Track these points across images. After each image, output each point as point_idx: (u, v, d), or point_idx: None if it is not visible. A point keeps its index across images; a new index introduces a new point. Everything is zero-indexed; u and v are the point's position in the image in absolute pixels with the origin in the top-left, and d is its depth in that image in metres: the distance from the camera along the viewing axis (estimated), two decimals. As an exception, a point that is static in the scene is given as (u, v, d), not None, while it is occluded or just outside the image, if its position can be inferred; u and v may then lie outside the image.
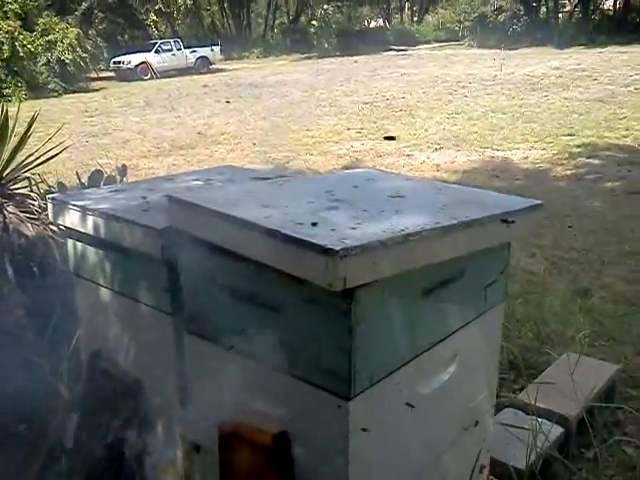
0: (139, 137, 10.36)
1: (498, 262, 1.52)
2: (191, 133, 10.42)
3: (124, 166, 4.58)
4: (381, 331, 1.18)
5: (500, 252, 1.52)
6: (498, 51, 18.08)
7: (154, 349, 1.58)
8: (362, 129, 9.81)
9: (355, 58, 23.52)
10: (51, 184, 3.74)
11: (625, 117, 9.19)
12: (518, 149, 7.72)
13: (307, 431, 1.22)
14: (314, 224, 1.18)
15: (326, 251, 1.05)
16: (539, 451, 1.87)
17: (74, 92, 19.15)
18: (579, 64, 15.81)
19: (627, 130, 8.31)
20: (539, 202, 1.50)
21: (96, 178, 3.56)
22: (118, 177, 3.52)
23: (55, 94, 18.88)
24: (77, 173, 4.47)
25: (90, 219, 1.62)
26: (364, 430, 1.19)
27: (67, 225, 1.72)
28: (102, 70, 24.41)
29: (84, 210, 1.63)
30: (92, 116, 13.34)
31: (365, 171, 1.94)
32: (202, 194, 1.58)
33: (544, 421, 2.01)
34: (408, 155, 7.81)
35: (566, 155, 7.23)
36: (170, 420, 1.59)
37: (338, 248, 1.04)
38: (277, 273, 1.16)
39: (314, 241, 1.08)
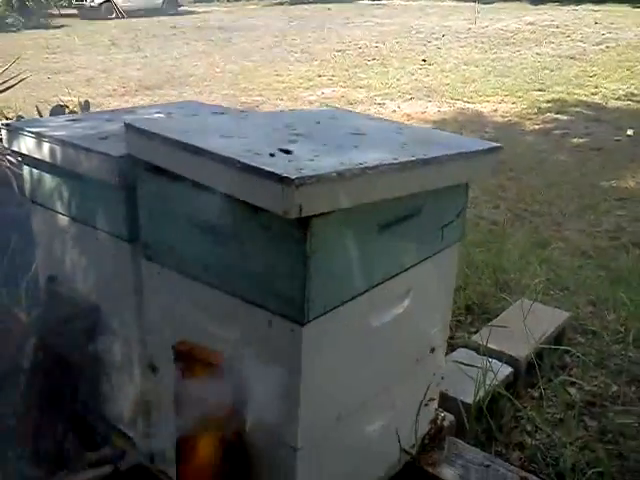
0: (104, 76, 10.06)
1: (455, 203, 1.55)
2: (158, 74, 10.15)
3: (87, 102, 4.45)
4: (336, 261, 1.20)
5: (458, 194, 1.54)
6: (473, 4, 17.86)
7: (111, 274, 1.59)
8: (333, 76, 9.69)
9: (329, 6, 22.96)
10: (10, 118, 3.63)
11: (595, 75, 9.24)
12: (489, 102, 7.73)
13: (262, 354, 1.25)
14: (272, 155, 1.18)
15: (282, 179, 1.05)
16: (487, 388, 1.94)
17: (35, 28, 18.35)
18: (553, 20, 15.73)
19: (596, 88, 8.36)
20: (498, 145, 1.52)
21: (58, 113, 3.46)
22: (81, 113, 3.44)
23: (14, 29, 18.06)
24: (37, 107, 4.34)
25: (46, 146, 1.59)
26: (316, 355, 1.22)
27: (22, 152, 1.68)
28: (64, 7, 23.35)
29: (39, 137, 1.59)
30: (54, 53, 12.86)
31: (328, 109, 1.93)
32: (161, 123, 1.56)
33: (495, 361, 2.08)
34: (379, 104, 7.76)
35: (535, 110, 7.27)
36: (127, 343, 1.61)
37: (294, 177, 1.05)
38: (234, 201, 1.16)
39: (271, 169, 1.08)
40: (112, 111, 2.14)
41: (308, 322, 1.16)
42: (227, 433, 1.28)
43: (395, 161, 1.25)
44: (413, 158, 1.30)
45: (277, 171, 1.07)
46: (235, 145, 1.26)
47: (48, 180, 1.69)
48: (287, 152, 1.22)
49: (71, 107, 4.69)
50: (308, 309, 1.15)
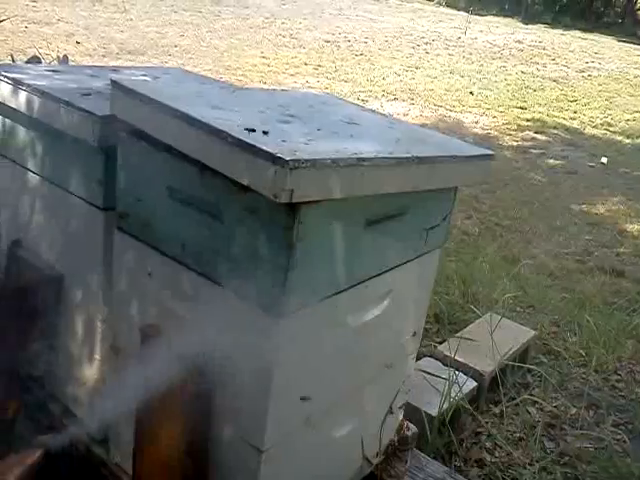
0: (85, 33, 9.75)
1: (443, 207, 1.51)
2: (142, 39, 9.89)
3: (65, 57, 4.29)
4: (320, 254, 1.14)
5: (446, 197, 1.50)
6: (465, 14, 17.95)
7: (81, 244, 1.49)
8: (320, 66, 9.60)
9: (324, -7, 22.80)
10: (-17, 63, 3.45)
11: (575, 100, 9.38)
12: (470, 113, 7.77)
13: (233, 345, 1.18)
14: (265, 132, 1.12)
15: (276, 160, 0.99)
16: (452, 401, 1.92)
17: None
18: (540, 42, 15.92)
19: (575, 113, 8.49)
20: (491, 152, 1.49)
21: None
22: (58, 66, 3.29)
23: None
24: (12, 56, 4.17)
25: (23, 95, 1.48)
26: (292, 352, 1.16)
27: (-5, 98, 1.58)
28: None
29: (16, 84, 1.49)
30: (35, 1, 12.40)
31: (321, 94, 1.87)
32: (149, 86, 1.47)
33: (460, 374, 2.06)
34: (363, 100, 7.72)
35: (515, 127, 7.34)
36: (91, 319, 1.52)
37: (289, 158, 0.98)
38: (221, 178, 1.09)
39: (265, 148, 1.01)
40: (96, 67, 2.03)
41: (286, 315, 1.10)
42: (190, 428, 1.21)
43: (391, 155, 1.21)
44: (409, 155, 1.25)
45: (271, 150, 1.01)
46: (227, 117, 1.19)
47: (22, 133, 1.58)
48: (281, 132, 1.17)
49: (48, 61, 4.52)
50: (287, 302, 1.09)
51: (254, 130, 1.12)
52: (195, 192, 1.17)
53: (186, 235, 1.20)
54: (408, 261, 1.43)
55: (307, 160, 1.02)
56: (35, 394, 1.69)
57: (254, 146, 1.03)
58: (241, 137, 1.06)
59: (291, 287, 1.09)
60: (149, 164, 1.25)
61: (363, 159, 1.12)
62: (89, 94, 1.49)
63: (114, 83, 1.30)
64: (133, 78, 1.75)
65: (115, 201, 1.34)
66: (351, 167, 1.10)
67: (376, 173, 1.16)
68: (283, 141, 1.11)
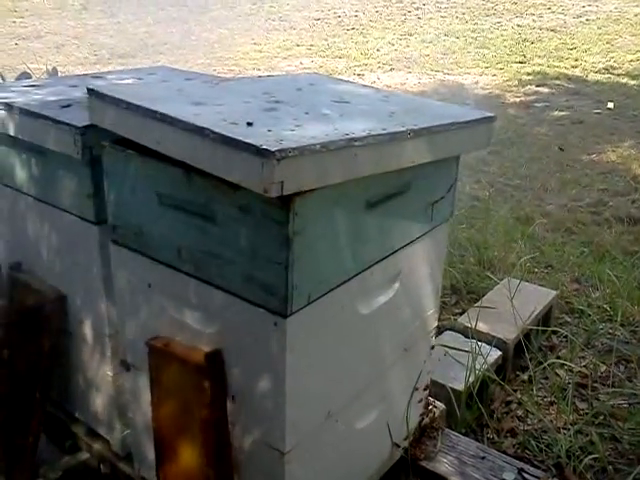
0: (75, 42, 9.71)
1: (446, 178, 1.45)
2: (132, 41, 9.82)
3: (55, 69, 4.25)
4: (321, 245, 1.10)
5: (448, 168, 1.44)
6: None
7: (79, 260, 1.46)
8: (312, 46, 9.47)
9: (308, -28, 22.46)
10: (-29, 84, 3.42)
11: (575, 48, 9.15)
12: (469, 74, 7.62)
13: (242, 349, 1.15)
14: (249, 124, 1.07)
15: (261, 152, 0.94)
16: (477, 373, 1.87)
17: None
18: (534, -9, 15.57)
19: (576, 61, 8.29)
20: (491, 114, 1.42)
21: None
22: (46, 80, 3.25)
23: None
24: (1, 74, 4.13)
25: (2, 114, 1.45)
26: (302, 350, 1.12)
27: (-25, 121, 1.53)
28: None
29: (-7, 104, 1.45)
30: (22, 17, 12.35)
31: (309, 75, 1.80)
32: (127, 89, 1.42)
33: (483, 344, 2.01)
34: (359, 75, 7.61)
35: (516, 82, 7.18)
36: (99, 336, 1.49)
37: (274, 149, 0.93)
38: (208, 177, 1.05)
39: (248, 141, 0.96)
40: (79, 76, 1.98)
41: (292, 313, 1.05)
42: (210, 436, 1.18)
43: (384, 131, 1.15)
44: (403, 128, 1.19)
45: (255, 142, 0.96)
46: (209, 113, 1.14)
47: (6, 154, 1.54)
48: (267, 121, 1.11)
49: (38, 75, 4.49)
50: (292, 299, 1.04)
51: (237, 123, 1.07)
52: (184, 195, 1.13)
53: (181, 241, 1.16)
54: (415, 239, 1.37)
55: (294, 148, 0.97)
56: (54, 416, 1.68)
57: (237, 140, 0.98)
58: (223, 132, 1.01)
59: (294, 283, 1.04)
60: (134, 171, 1.20)
61: (354, 139, 1.07)
62: (69, 105, 1.44)
63: (90, 91, 1.26)
64: (116, 82, 1.70)
65: (107, 214, 1.29)
66: (342, 149, 1.05)
67: (370, 152, 1.11)
68: (269, 131, 1.06)
